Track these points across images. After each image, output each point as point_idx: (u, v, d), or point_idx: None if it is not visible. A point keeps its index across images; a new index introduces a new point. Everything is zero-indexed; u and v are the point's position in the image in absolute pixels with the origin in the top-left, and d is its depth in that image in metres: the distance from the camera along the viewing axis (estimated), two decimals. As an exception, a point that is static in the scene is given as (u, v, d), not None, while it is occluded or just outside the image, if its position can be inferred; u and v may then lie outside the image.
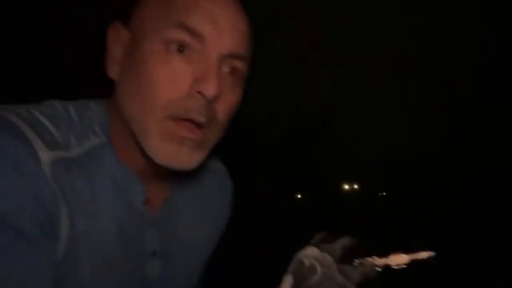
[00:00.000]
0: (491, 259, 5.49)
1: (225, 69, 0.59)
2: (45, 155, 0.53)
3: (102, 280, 0.62)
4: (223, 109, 0.60)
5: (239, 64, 0.61)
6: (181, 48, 0.57)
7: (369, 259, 0.74)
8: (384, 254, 0.77)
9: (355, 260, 0.73)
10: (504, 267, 4.93)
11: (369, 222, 9.65)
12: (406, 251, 0.79)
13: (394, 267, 0.78)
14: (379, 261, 0.76)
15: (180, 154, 0.58)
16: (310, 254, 0.68)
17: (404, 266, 0.77)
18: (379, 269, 0.77)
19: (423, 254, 0.78)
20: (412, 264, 0.76)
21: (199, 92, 0.57)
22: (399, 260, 0.78)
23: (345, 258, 0.74)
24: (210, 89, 0.56)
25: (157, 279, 0.68)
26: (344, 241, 0.71)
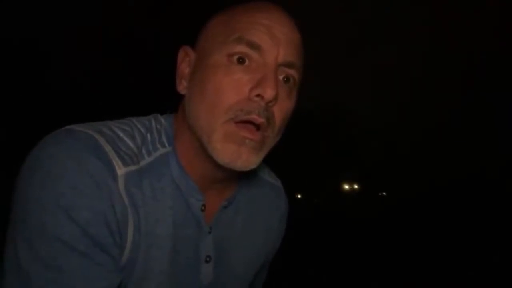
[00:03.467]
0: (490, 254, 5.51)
1: (280, 77, 0.65)
2: (120, 171, 0.59)
3: (155, 283, 0.65)
4: (279, 114, 0.65)
5: (292, 73, 0.65)
6: (241, 59, 0.62)
7: None
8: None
9: None
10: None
11: (369, 222, 9.66)
12: None
13: None
14: None
15: (240, 154, 0.62)
16: None
17: None
18: None
19: None
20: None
21: (257, 95, 0.61)
22: None
23: None
24: (268, 92, 0.60)
25: (210, 283, 0.71)
26: None
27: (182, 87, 0.67)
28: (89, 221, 0.54)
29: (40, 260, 0.52)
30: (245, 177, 0.72)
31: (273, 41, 0.62)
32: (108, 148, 0.59)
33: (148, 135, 0.66)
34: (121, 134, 0.63)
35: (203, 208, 0.68)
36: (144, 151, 0.64)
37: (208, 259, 0.70)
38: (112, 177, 0.57)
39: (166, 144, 0.67)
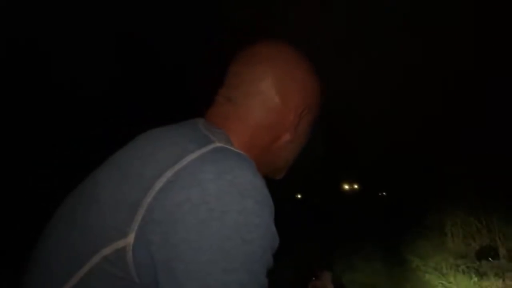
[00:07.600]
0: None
1: None
2: None
3: None
4: None
5: None
6: None
7: None
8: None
9: None
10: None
11: (368, 222, 9.66)
12: None
13: None
14: None
15: None
16: None
17: None
18: None
19: None
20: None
21: None
22: None
23: None
24: None
25: None
26: None
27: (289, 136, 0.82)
28: (274, 245, 0.61)
29: (258, 284, 0.57)
30: None
31: None
32: None
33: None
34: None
35: None
36: None
37: None
38: None
39: None
